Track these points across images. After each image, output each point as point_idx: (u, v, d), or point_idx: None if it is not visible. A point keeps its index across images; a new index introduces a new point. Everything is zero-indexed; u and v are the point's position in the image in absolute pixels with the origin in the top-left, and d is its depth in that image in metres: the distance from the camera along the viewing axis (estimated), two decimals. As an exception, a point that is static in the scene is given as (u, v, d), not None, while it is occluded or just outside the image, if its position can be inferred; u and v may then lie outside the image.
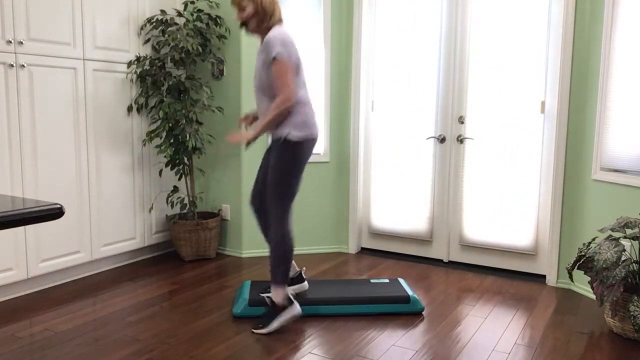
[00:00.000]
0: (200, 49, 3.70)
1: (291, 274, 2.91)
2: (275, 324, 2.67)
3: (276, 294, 2.68)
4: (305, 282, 2.94)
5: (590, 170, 3.22)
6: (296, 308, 2.70)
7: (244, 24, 2.63)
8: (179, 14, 3.73)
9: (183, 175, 3.96)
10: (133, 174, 3.72)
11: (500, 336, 2.67)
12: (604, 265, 2.56)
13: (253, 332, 2.67)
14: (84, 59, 3.33)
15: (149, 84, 3.65)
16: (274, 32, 2.55)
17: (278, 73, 2.52)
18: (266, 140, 3.93)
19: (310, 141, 2.65)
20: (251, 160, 3.93)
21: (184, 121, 3.66)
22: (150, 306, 3.00)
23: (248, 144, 2.59)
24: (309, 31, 3.95)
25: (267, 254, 4.05)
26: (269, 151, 2.83)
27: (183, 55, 3.65)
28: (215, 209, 4.12)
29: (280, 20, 2.65)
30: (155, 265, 3.76)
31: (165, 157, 3.69)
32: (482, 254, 3.77)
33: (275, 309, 2.69)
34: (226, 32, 3.88)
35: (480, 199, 3.72)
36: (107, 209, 3.55)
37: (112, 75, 3.52)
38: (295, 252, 4.11)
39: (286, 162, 2.60)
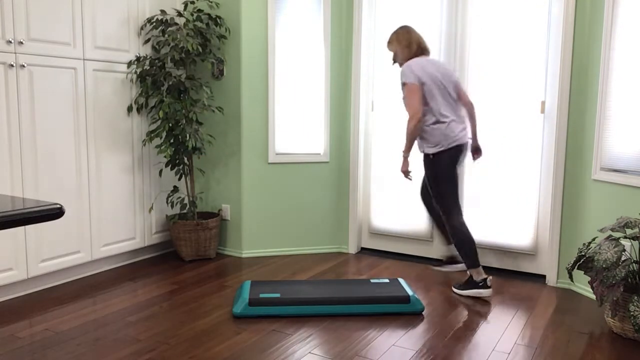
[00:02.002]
0: (200, 49, 3.70)
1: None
2: (467, 292, 3.21)
3: (475, 274, 3.18)
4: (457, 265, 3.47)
5: (590, 170, 3.22)
6: (487, 292, 3.17)
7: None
8: (179, 14, 3.73)
9: (183, 175, 3.96)
10: (133, 174, 3.72)
11: (500, 336, 2.67)
12: (604, 265, 2.56)
13: (453, 290, 3.26)
14: (84, 59, 3.33)
15: (149, 84, 3.65)
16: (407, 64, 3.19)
17: (406, 96, 3.15)
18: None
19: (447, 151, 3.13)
20: (251, 160, 3.93)
21: (184, 121, 3.66)
22: (150, 306, 3.00)
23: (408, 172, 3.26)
24: (309, 31, 3.95)
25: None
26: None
27: (183, 55, 3.65)
28: (215, 209, 4.12)
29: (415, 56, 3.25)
30: (155, 265, 3.76)
31: (165, 157, 3.69)
32: (482, 253, 3.77)
33: (473, 283, 3.19)
34: (226, 32, 3.89)
35: (480, 199, 3.71)
36: (107, 209, 3.55)
37: (112, 75, 3.52)
38: (295, 252, 4.12)
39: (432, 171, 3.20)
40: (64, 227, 3.30)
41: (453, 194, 3.15)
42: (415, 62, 3.12)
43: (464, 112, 3.26)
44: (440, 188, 3.14)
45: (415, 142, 3.23)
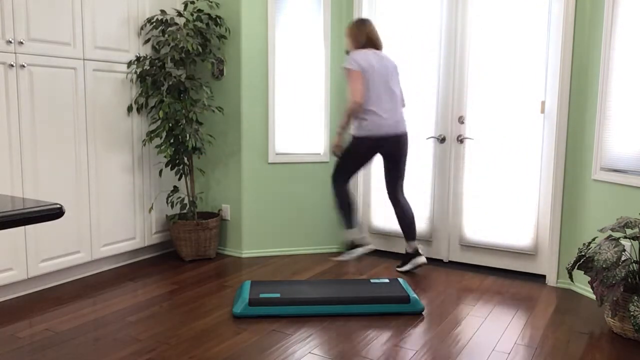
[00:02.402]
0: (200, 49, 3.70)
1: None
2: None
3: (349, 235, 3.61)
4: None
5: (590, 170, 3.22)
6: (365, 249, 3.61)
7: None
8: (179, 14, 3.73)
9: (183, 175, 3.96)
10: (133, 174, 3.72)
11: (500, 336, 2.67)
12: (604, 265, 2.56)
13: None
14: (84, 59, 3.33)
15: (149, 84, 3.65)
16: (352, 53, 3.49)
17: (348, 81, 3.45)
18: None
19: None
20: (251, 160, 3.93)
21: (184, 121, 3.66)
22: (150, 306, 3.00)
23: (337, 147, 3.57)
24: (309, 31, 3.95)
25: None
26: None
27: (183, 55, 3.65)
28: (215, 209, 4.12)
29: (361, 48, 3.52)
30: (155, 265, 3.76)
31: (165, 157, 3.69)
32: (482, 254, 3.77)
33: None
34: (226, 32, 3.89)
35: (480, 199, 3.71)
36: (107, 209, 3.55)
37: (112, 75, 3.52)
38: (295, 252, 4.12)
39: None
40: (64, 227, 3.30)
41: (350, 172, 3.52)
42: (360, 52, 3.41)
43: (401, 107, 3.51)
44: (346, 161, 3.49)
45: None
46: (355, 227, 3.56)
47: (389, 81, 3.43)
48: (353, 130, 3.45)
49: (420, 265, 3.59)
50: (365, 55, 3.40)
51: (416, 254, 3.59)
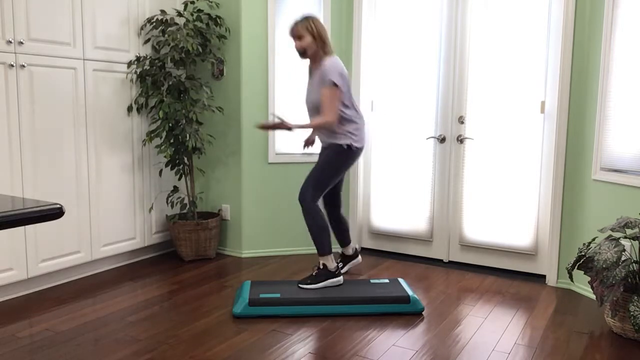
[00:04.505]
0: (200, 49, 3.70)
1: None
2: (323, 284, 3.10)
3: (329, 262, 3.13)
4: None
5: (590, 170, 3.22)
6: (341, 279, 3.16)
7: (302, 52, 3.03)
8: (179, 14, 3.73)
9: (183, 175, 3.96)
10: (133, 174, 3.72)
11: (500, 336, 2.67)
12: (604, 265, 2.56)
13: (299, 286, 3.07)
14: (84, 59, 3.33)
15: (149, 84, 3.65)
16: (331, 62, 2.99)
17: (330, 97, 2.96)
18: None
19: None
20: (251, 160, 3.93)
21: (184, 121, 3.66)
22: (150, 306, 3.00)
23: (268, 128, 2.92)
24: (309, 31, 3.95)
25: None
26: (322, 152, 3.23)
27: (183, 55, 3.65)
28: (215, 209, 4.12)
29: (332, 52, 3.06)
30: (155, 265, 3.76)
31: (165, 157, 3.69)
32: (482, 254, 3.77)
33: (328, 273, 3.12)
34: (226, 32, 3.89)
35: (480, 199, 3.72)
36: (107, 209, 3.55)
37: (112, 75, 3.52)
38: (295, 252, 4.12)
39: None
40: (64, 227, 3.30)
41: (326, 187, 3.11)
42: (336, 59, 3.01)
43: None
44: (328, 174, 3.09)
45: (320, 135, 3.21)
46: (331, 253, 3.10)
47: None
48: (345, 139, 3.06)
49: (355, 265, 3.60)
50: (340, 63, 3.03)
51: (355, 255, 3.53)
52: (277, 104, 3.95)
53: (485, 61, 3.60)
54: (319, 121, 2.95)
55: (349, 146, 3.06)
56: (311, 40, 2.98)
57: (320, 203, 3.17)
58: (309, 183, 3.09)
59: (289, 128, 2.88)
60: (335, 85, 2.92)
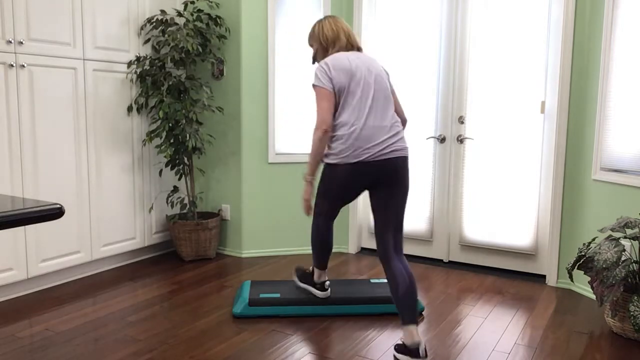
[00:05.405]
0: (200, 49, 3.70)
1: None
2: (303, 286, 3.03)
3: (317, 274, 2.96)
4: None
5: (590, 170, 3.22)
6: (321, 294, 2.97)
7: (313, 60, 2.76)
8: (179, 14, 3.73)
9: (183, 175, 3.96)
10: (133, 174, 3.72)
11: (500, 336, 2.67)
12: (604, 265, 2.56)
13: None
14: (84, 59, 3.33)
15: (149, 84, 3.65)
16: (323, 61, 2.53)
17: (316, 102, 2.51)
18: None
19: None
20: (251, 160, 3.93)
21: (184, 121, 3.66)
22: (150, 306, 3.00)
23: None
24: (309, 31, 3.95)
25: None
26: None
27: (183, 55, 3.65)
28: (215, 209, 4.12)
29: (344, 48, 2.62)
30: (155, 265, 3.76)
31: (165, 157, 3.69)
32: (482, 254, 3.77)
33: (312, 281, 3.01)
34: (226, 32, 3.89)
35: (480, 199, 3.71)
36: (107, 209, 3.55)
37: (112, 75, 3.52)
38: (295, 252, 4.12)
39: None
40: (64, 227, 3.30)
41: (334, 208, 2.67)
42: (330, 59, 2.52)
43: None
44: (325, 198, 2.62)
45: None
46: (321, 268, 2.92)
47: None
48: (327, 158, 2.57)
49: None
50: (333, 59, 2.61)
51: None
52: (277, 104, 3.95)
53: (485, 61, 3.60)
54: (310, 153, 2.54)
55: (332, 164, 2.48)
56: (317, 46, 2.69)
57: (324, 219, 2.76)
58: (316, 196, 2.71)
59: (310, 182, 2.58)
60: (314, 86, 2.49)
